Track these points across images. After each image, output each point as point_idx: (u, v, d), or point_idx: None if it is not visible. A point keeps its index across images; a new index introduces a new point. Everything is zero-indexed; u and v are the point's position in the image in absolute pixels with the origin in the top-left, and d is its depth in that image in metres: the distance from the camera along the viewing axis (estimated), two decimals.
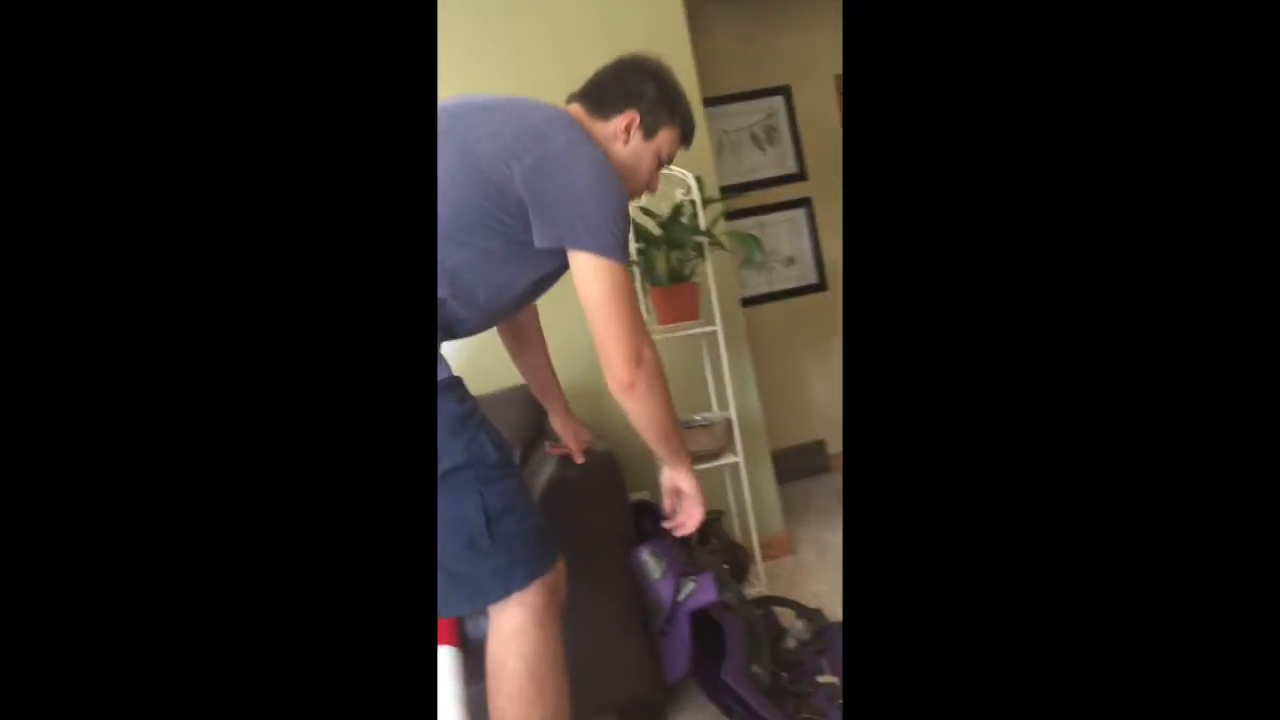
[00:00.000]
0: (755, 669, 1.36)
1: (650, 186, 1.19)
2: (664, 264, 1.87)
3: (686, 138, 1.19)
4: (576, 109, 1.12)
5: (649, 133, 1.12)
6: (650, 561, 1.36)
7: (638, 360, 1.02)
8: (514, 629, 0.97)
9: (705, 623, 1.39)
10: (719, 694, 1.42)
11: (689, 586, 1.33)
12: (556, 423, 1.43)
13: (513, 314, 1.20)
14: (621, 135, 1.11)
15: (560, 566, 1.04)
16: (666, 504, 1.24)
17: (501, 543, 0.95)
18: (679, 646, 1.32)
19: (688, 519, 1.19)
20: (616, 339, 1.00)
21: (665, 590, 1.33)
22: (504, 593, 0.97)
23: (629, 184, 1.10)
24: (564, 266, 1.05)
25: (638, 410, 1.05)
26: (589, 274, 0.99)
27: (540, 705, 0.98)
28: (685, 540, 1.41)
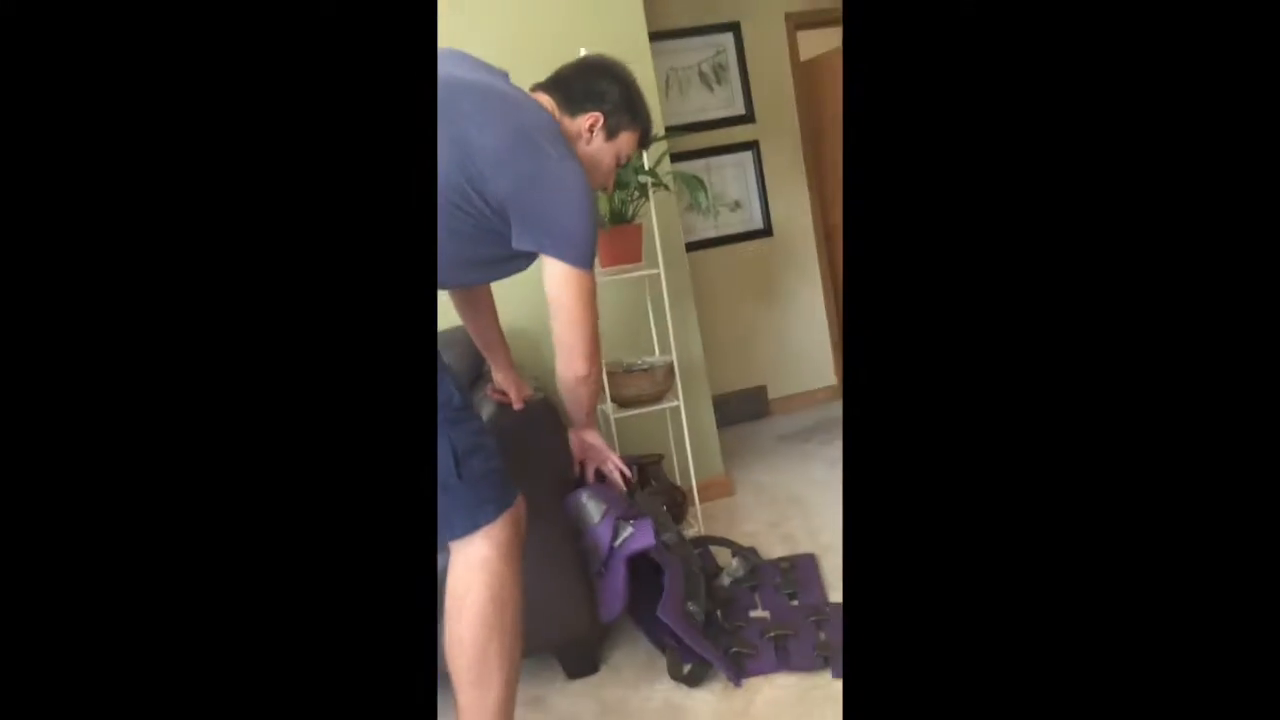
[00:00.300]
0: (691, 607, 1.39)
1: (606, 184, 1.28)
2: (607, 204, 1.82)
3: (644, 140, 1.28)
4: (549, 102, 1.19)
5: (611, 133, 1.21)
6: (589, 505, 1.36)
7: (594, 357, 1.17)
8: (479, 560, 1.02)
9: (643, 563, 1.42)
10: (655, 630, 1.46)
11: (627, 530, 1.34)
12: (499, 376, 1.44)
13: (466, 288, 1.32)
14: (585, 134, 1.19)
15: (521, 503, 1.10)
16: (576, 458, 1.42)
17: (469, 482, 0.99)
18: (615, 588, 1.34)
19: (612, 468, 1.42)
20: (582, 339, 1.15)
21: (603, 534, 1.34)
22: (471, 528, 1.01)
23: (589, 179, 1.16)
24: (527, 260, 1.16)
25: (581, 395, 1.24)
26: (563, 281, 1.10)
27: (500, 633, 1.02)
28: (625, 484, 1.44)
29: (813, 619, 1.48)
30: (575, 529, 1.37)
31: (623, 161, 1.26)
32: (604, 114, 1.19)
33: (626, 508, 1.38)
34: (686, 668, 1.36)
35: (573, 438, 1.42)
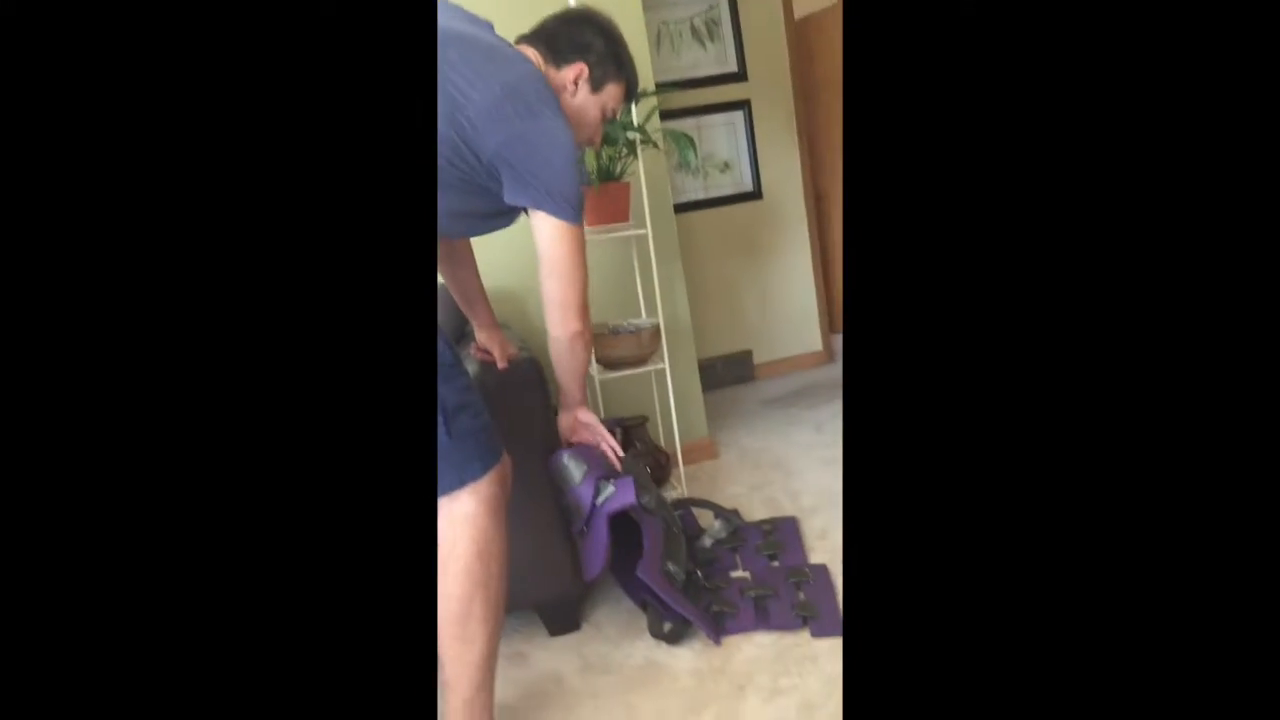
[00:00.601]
0: (670, 566, 1.41)
1: (594, 139, 1.25)
2: (594, 162, 1.78)
3: (631, 93, 1.25)
4: (534, 55, 1.17)
5: (596, 85, 1.19)
6: (571, 465, 1.36)
7: (585, 312, 1.17)
8: (465, 516, 1.02)
9: (624, 523, 1.42)
10: (636, 589, 1.47)
11: (608, 490, 1.34)
12: (481, 335, 1.42)
13: (450, 239, 1.30)
14: (570, 86, 1.18)
15: (507, 460, 1.11)
16: (565, 439, 1.41)
17: (457, 438, 0.99)
18: (596, 547, 1.35)
19: (607, 449, 1.40)
20: (575, 295, 1.14)
21: (585, 493, 1.34)
22: (458, 484, 1.01)
23: (575, 135, 1.14)
24: (514, 215, 1.15)
25: (577, 352, 1.21)
26: (554, 235, 1.10)
27: (485, 587, 1.03)
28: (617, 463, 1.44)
29: (792, 580, 1.50)
30: (558, 488, 1.37)
31: (609, 115, 1.24)
32: (589, 65, 1.18)
33: (608, 468, 1.38)
34: (666, 626, 1.37)
35: (563, 417, 1.39)
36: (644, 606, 1.44)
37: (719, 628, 1.37)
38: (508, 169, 1.06)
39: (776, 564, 1.59)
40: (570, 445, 1.40)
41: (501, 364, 1.37)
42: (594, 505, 1.34)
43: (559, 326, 1.17)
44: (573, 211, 1.10)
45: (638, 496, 1.34)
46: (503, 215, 1.16)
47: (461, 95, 1.02)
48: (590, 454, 1.38)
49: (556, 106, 1.09)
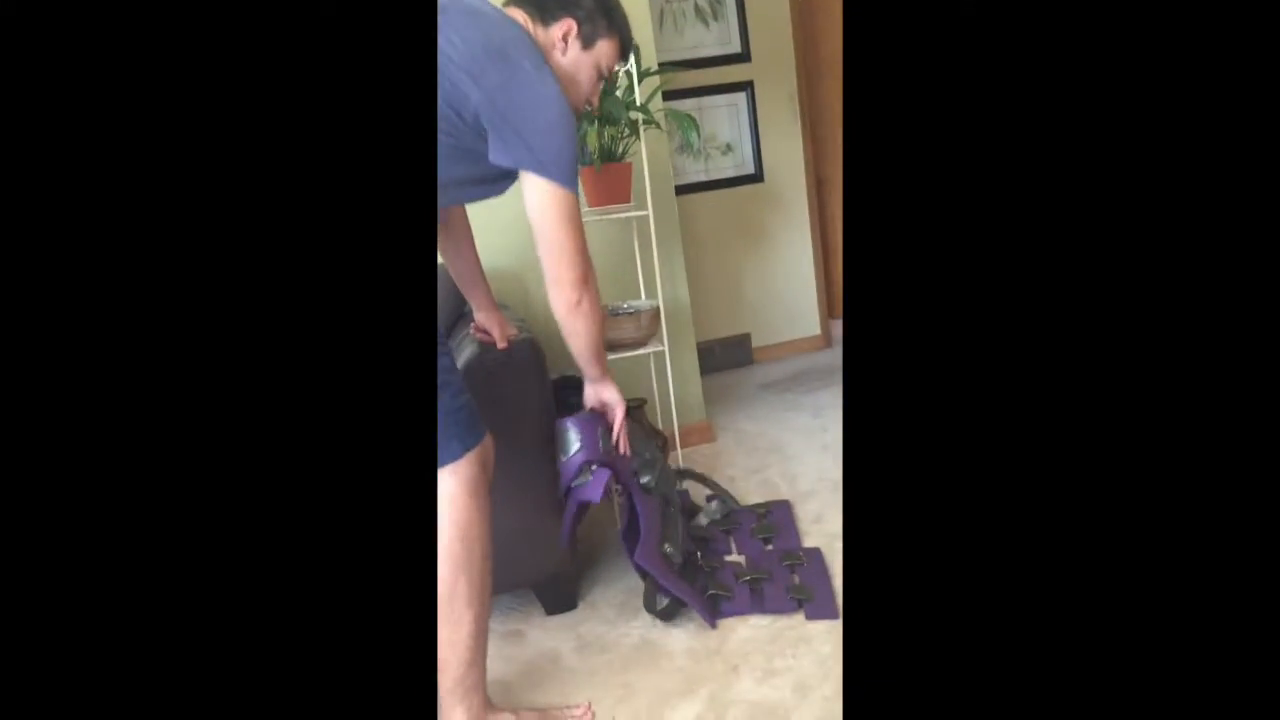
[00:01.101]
0: (667, 548, 1.41)
1: (590, 99, 1.20)
2: (596, 141, 1.76)
3: (625, 50, 1.20)
4: (521, 16, 1.12)
5: (587, 42, 1.13)
6: (569, 435, 1.33)
7: (585, 281, 1.10)
8: (445, 497, 1.02)
9: (627, 500, 1.43)
10: (638, 565, 1.47)
11: (585, 477, 1.33)
12: (480, 316, 1.40)
13: (443, 209, 1.25)
14: (560, 44, 1.12)
15: (489, 441, 1.10)
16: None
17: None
18: (564, 523, 1.37)
19: (618, 432, 1.35)
20: (569, 262, 1.07)
21: (568, 469, 1.34)
22: (437, 465, 1.00)
23: (569, 95, 1.11)
24: (506, 181, 1.10)
25: (579, 328, 1.14)
26: (545, 199, 1.04)
27: (468, 569, 1.03)
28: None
29: (786, 563, 1.51)
30: (556, 450, 1.37)
31: (605, 73, 1.18)
32: (577, 21, 1.12)
33: (600, 453, 1.36)
34: (663, 603, 1.38)
35: (587, 391, 1.34)
36: (644, 577, 1.45)
37: (714, 610, 1.38)
38: (490, 125, 1.02)
39: (770, 547, 1.60)
40: (589, 412, 1.36)
41: (501, 344, 1.36)
42: (570, 486, 1.34)
43: (556, 301, 1.11)
44: (560, 172, 1.03)
45: (601, 497, 1.33)
46: (493, 181, 1.10)
47: (444, 56, 0.99)
48: (592, 429, 1.35)
49: (540, 61, 1.04)
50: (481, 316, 1.40)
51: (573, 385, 1.43)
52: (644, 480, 1.41)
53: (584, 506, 1.36)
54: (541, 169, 1.03)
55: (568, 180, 1.05)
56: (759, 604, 1.40)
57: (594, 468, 1.34)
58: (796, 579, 1.46)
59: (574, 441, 1.33)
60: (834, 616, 1.33)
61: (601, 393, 1.32)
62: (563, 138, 1.03)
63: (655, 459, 1.48)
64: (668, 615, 1.38)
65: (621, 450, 1.37)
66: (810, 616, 1.35)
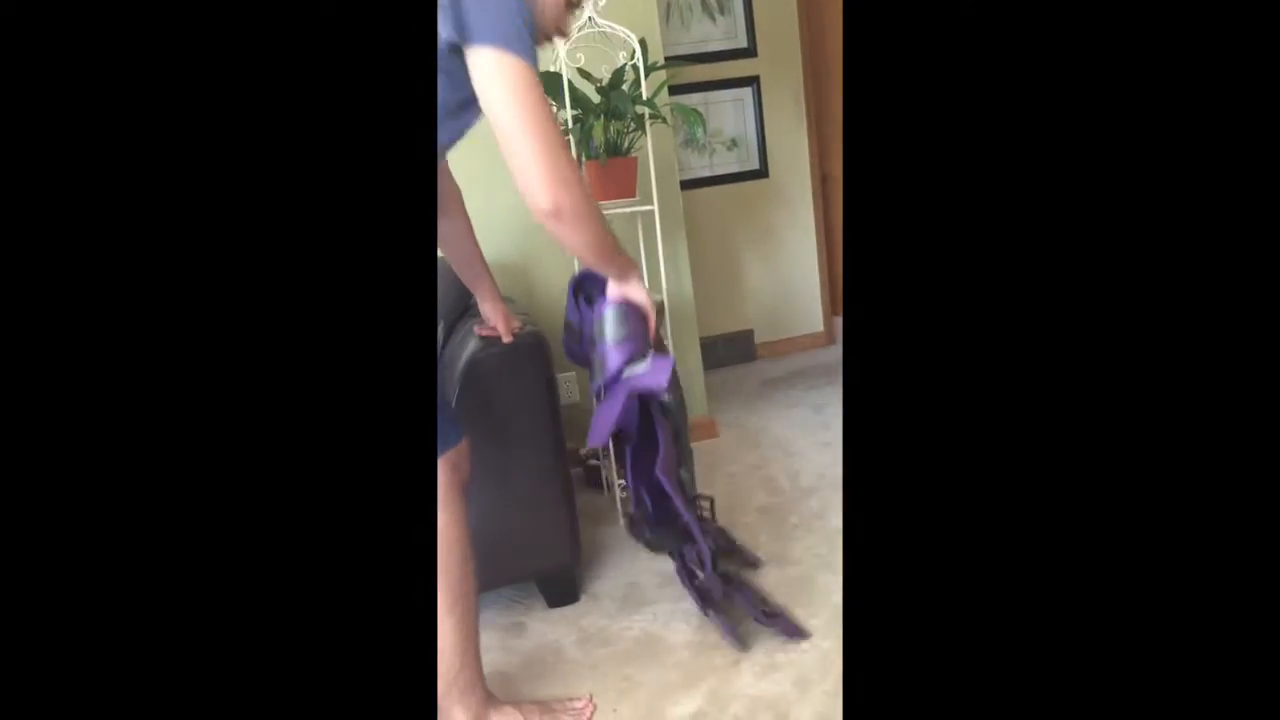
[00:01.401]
0: (683, 473, 1.32)
1: (561, 28, 1.04)
2: (602, 135, 1.76)
3: None
4: None
5: None
6: (611, 320, 1.17)
7: (561, 180, 0.87)
8: None
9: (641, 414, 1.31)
10: (637, 485, 1.38)
11: (643, 364, 1.16)
12: (485, 308, 1.36)
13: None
14: None
15: (463, 446, 1.07)
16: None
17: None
18: (608, 416, 1.19)
19: (650, 322, 1.17)
20: (534, 155, 0.86)
21: (615, 356, 1.17)
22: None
23: (540, 22, 0.97)
24: (472, 107, 0.91)
25: (569, 239, 0.95)
26: (492, 72, 0.84)
27: (445, 576, 1.02)
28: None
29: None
30: (583, 334, 1.24)
31: (574, 1, 1.04)
32: None
33: (648, 344, 1.18)
34: (648, 535, 1.32)
35: (612, 292, 1.17)
36: (638, 503, 1.36)
37: (712, 602, 1.35)
38: (442, 10, 0.85)
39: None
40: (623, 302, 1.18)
41: (506, 338, 1.36)
42: (620, 374, 1.16)
43: (534, 207, 0.89)
44: (511, 33, 0.84)
45: (669, 389, 1.17)
46: (456, 111, 0.94)
47: None
48: (636, 321, 1.17)
49: None
50: (487, 308, 1.37)
51: (593, 278, 1.26)
52: (666, 398, 1.25)
53: (633, 401, 1.18)
54: (486, 34, 0.84)
55: (513, 44, 0.84)
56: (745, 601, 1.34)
57: (649, 357, 1.15)
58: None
59: (618, 327, 1.15)
60: (802, 636, 1.29)
61: (628, 292, 1.12)
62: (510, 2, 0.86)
63: (676, 380, 1.29)
64: (653, 547, 1.33)
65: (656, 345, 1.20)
66: (783, 633, 1.30)
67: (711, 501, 1.49)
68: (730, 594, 1.34)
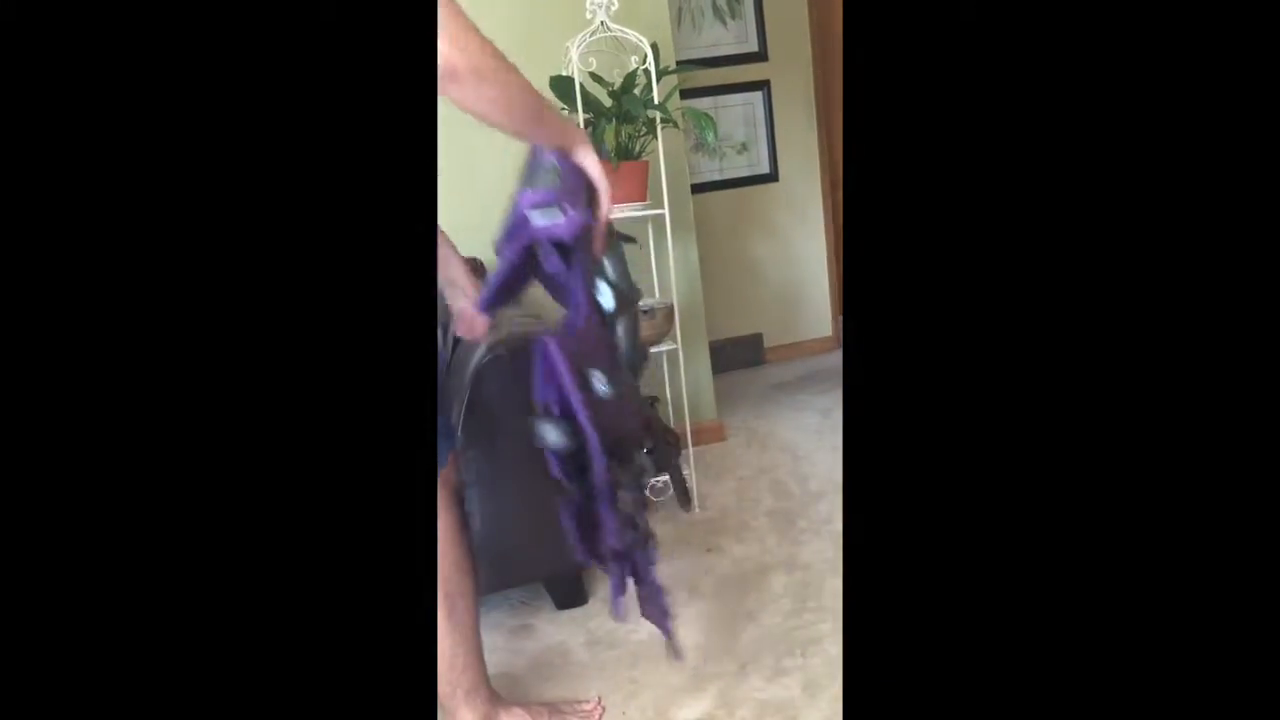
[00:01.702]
0: (631, 377, 1.10)
1: None
2: (613, 139, 1.77)
3: None
4: None
5: None
6: (542, 170, 0.89)
7: (450, 38, 0.70)
8: None
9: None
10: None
11: (554, 214, 0.90)
12: (462, 304, 1.12)
13: None
14: None
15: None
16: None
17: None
18: (497, 274, 0.97)
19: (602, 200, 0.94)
20: (440, 25, 0.67)
21: (527, 199, 0.90)
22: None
23: None
24: None
25: (472, 101, 0.73)
26: None
27: (441, 581, 1.02)
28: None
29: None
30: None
31: None
32: None
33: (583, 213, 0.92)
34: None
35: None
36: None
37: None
38: None
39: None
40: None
41: (471, 335, 1.13)
42: (524, 218, 0.90)
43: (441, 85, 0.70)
44: None
45: (616, 279, 0.95)
46: None
47: None
48: (573, 179, 0.91)
49: None
50: (463, 304, 1.12)
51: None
52: (606, 306, 1.02)
53: (529, 256, 0.93)
54: None
55: None
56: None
57: (569, 208, 0.89)
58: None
59: (546, 175, 0.89)
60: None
61: (579, 158, 0.89)
62: None
63: (620, 271, 1.06)
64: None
65: (596, 246, 0.97)
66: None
67: (654, 401, 1.20)
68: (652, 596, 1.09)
